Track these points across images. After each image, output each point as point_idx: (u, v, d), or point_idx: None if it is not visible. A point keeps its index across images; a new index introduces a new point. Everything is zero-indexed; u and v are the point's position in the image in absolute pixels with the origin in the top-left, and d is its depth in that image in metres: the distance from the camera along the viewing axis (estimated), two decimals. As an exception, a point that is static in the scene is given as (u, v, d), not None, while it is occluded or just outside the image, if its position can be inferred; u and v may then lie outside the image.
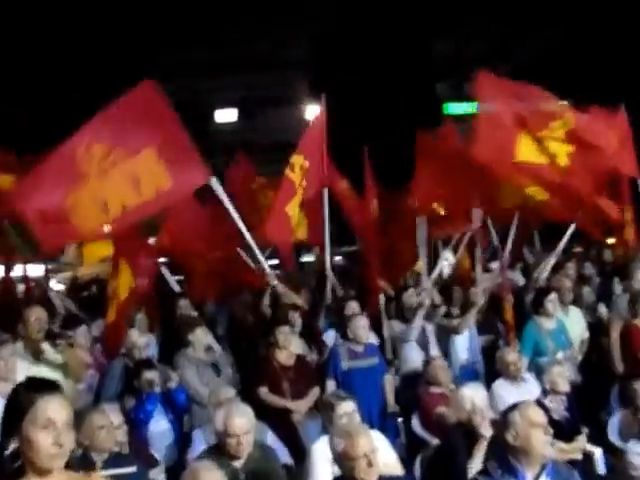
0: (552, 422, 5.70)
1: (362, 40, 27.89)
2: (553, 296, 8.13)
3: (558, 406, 6.03)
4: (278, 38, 29.11)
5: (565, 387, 6.17)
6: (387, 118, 26.42)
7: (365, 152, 10.60)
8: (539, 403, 5.96)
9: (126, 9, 25.20)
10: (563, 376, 6.20)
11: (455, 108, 32.61)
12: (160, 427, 6.65)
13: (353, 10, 28.08)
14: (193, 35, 29.23)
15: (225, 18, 29.17)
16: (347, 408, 5.45)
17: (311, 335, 8.49)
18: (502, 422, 4.22)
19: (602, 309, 9.14)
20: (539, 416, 4.21)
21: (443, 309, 8.79)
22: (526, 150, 8.44)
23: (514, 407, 4.26)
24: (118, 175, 6.90)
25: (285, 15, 27.71)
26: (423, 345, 8.17)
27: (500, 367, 7.25)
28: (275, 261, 12.27)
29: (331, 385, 7.31)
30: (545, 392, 6.17)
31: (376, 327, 8.54)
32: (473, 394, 5.46)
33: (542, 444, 4.10)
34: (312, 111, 21.03)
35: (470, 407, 5.39)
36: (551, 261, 9.78)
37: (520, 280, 10.92)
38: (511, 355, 7.27)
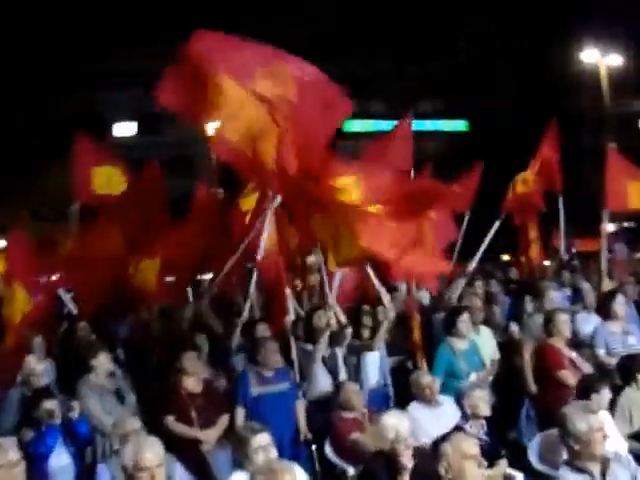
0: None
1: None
2: (465, 316, 8.05)
3: (478, 431, 5.88)
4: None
5: (486, 411, 6.03)
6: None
7: None
8: (459, 429, 5.82)
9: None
10: (484, 400, 6.05)
11: (357, 125, 32.88)
12: (61, 462, 6.17)
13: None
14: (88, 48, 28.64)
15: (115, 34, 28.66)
16: (262, 441, 5.12)
17: (220, 359, 8.13)
18: (433, 453, 4.01)
19: (514, 328, 9.14)
20: (471, 447, 4.04)
21: (350, 330, 8.54)
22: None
23: (445, 438, 4.07)
24: None
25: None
26: (331, 368, 7.90)
27: (415, 390, 7.10)
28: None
29: (240, 412, 7.01)
30: (465, 417, 6.00)
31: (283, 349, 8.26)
32: (397, 423, 5.24)
33: (475, 477, 3.92)
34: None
35: (393, 436, 5.16)
36: (462, 281, 9.76)
37: (426, 299, 10.86)
38: (426, 378, 7.13)
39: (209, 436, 6.77)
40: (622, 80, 30.53)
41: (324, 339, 7.77)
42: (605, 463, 4.62)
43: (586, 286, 11.72)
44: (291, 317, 8.26)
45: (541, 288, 9.14)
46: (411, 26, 36.01)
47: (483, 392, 6.11)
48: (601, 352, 7.79)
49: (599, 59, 29.15)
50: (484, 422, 5.99)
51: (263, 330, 8.03)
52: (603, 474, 4.59)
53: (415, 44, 36.76)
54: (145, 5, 33.08)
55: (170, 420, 6.74)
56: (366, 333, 8.39)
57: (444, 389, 7.33)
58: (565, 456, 4.83)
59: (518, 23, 35.81)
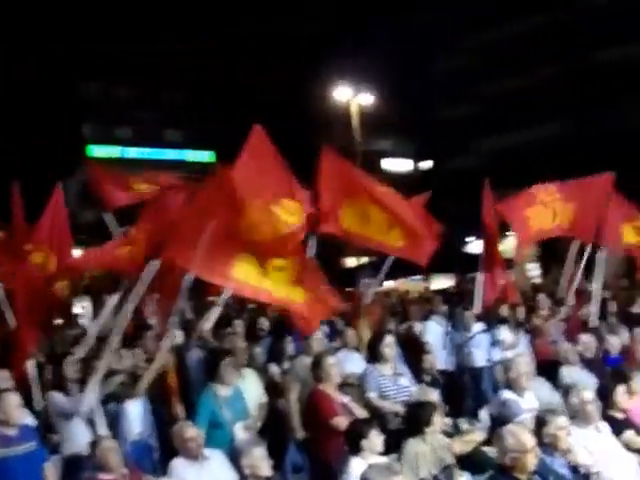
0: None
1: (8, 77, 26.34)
2: (229, 360, 7.59)
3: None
4: None
5: (267, 471, 5.59)
6: (33, 156, 24.97)
7: (16, 189, 9.43)
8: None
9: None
10: (264, 458, 5.61)
11: (99, 151, 31.67)
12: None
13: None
14: None
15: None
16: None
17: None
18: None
19: (274, 369, 8.84)
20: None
21: (121, 377, 7.75)
22: None
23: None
24: None
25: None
26: (90, 420, 7.10)
27: (178, 444, 6.51)
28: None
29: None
30: (244, 478, 5.50)
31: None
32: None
33: None
34: None
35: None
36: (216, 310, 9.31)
37: (180, 336, 10.29)
38: (190, 430, 6.56)
39: None
40: (372, 119, 31.98)
41: (91, 388, 6.96)
42: None
43: (340, 323, 11.88)
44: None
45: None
46: (152, 56, 35.53)
47: (262, 449, 5.64)
48: (372, 395, 7.57)
49: (350, 97, 30.28)
50: (265, 480, 5.55)
51: (2, 379, 7.06)
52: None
53: (161, 74, 36.21)
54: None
55: None
56: (126, 378, 7.67)
57: (208, 441, 6.78)
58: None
59: (276, 58, 36.49)
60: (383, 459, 5.75)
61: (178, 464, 6.38)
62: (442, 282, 28.59)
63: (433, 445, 6.38)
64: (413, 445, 6.25)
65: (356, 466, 5.64)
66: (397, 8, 40.94)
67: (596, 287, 11.76)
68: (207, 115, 36.76)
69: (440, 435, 6.63)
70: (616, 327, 12.00)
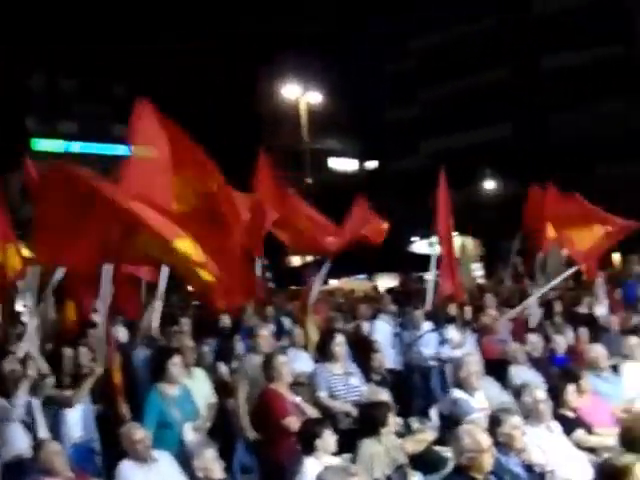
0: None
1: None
2: (177, 359, 7.39)
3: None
4: None
5: (220, 474, 5.44)
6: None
7: None
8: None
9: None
10: (216, 460, 5.46)
11: (44, 144, 30.93)
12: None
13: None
14: None
15: None
16: None
17: None
18: None
19: (222, 369, 8.68)
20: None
21: (52, 379, 7.50)
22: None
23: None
24: None
25: None
26: (28, 424, 6.83)
27: (126, 446, 6.31)
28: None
29: None
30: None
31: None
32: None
33: None
34: None
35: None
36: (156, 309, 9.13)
37: (124, 333, 10.07)
38: (138, 432, 6.36)
39: None
40: (320, 117, 31.94)
41: (23, 391, 6.70)
42: None
43: (287, 322, 11.78)
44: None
45: (255, 328, 8.75)
46: (100, 49, 34.96)
47: (214, 451, 5.49)
48: (322, 395, 7.46)
49: (299, 95, 30.16)
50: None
51: None
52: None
53: (111, 67, 35.61)
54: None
55: None
56: (67, 381, 7.43)
57: (157, 442, 6.57)
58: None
59: (227, 56, 36.19)
60: (336, 459, 5.65)
61: (126, 467, 6.18)
62: (386, 281, 28.68)
63: (387, 446, 6.31)
64: (368, 446, 6.17)
65: (310, 466, 5.55)
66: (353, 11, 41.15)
67: (536, 288, 11.92)
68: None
69: (393, 435, 6.56)
70: (562, 327, 12.17)
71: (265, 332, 8.41)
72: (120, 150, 34.91)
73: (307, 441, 5.82)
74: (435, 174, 12.59)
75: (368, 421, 6.41)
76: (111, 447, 6.89)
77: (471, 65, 39.67)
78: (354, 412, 7.26)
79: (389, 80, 45.55)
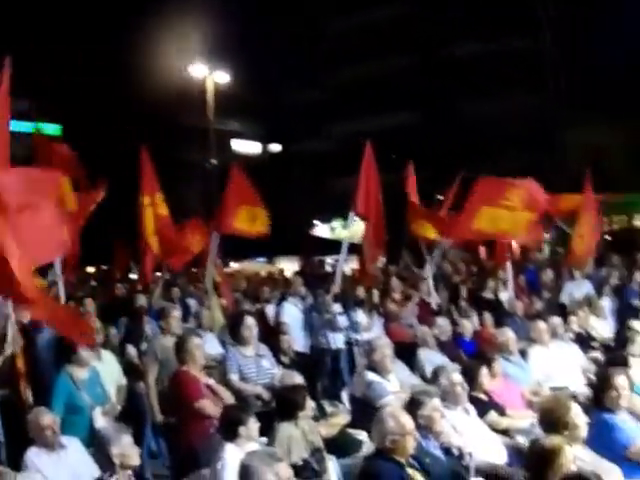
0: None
1: None
2: (84, 340, 7.09)
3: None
4: None
5: (137, 460, 5.22)
6: None
7: None
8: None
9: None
10: (134, 446, 5.23)
11: None
12: None
13: None
14: None
15: None
16: None
17: None
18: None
19: (131, 351, 8.42)
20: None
21: None
22: None
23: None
24: None
25: None
26: None
27: (33, 433, 6.00)
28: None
29: None
30: (109, 467, 5.06)
31: None
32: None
33: None
34: None
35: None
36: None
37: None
38: (46, 417, 6.05)
39: None
40: (225, 98, 31.43)
41: None
42: None
43: (192, 302, 11.58)
44: None
45: (166, 309, 8.50)
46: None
47: (130, 437, 5.25)
48: (233, 377, 7.31)
49: (207, 75, 29.54)
50: (132, 473, 5.17)
51: None
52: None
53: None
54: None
55: None
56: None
57: (65, 428, 6.29)
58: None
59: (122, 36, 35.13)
60: (256, 445, 5.53)
61: (33, 454, 5.87)
62: (286, 265, 28.67)
63: (304, 429, 6.22)
64: (285, 429, 6.06)
65: (231, 452, 5.40)
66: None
67: (428, 274, 12.12)
68: (56, 87, 34.85)
69: (310, 419, 6.49)
70: (467, 311, 12.40)
71: (176, 313, 8.20)
72: (18, 126, 33.57)
73: (230, 428, 5.65)
74: (338, 158, 12.61)
75: (286, 404, 6.30)
76: (15, 435, 6.55)
77: (381, 50, 39.64)
78: (265, 395, 7.16)
79: (295, 63, 45.37)
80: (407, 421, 5.07)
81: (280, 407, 6.35)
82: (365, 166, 11.29)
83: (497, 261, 13.43)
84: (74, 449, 6.07)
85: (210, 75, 29.43)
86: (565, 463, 4.31)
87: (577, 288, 13.29)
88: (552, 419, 5.24)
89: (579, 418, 5.27)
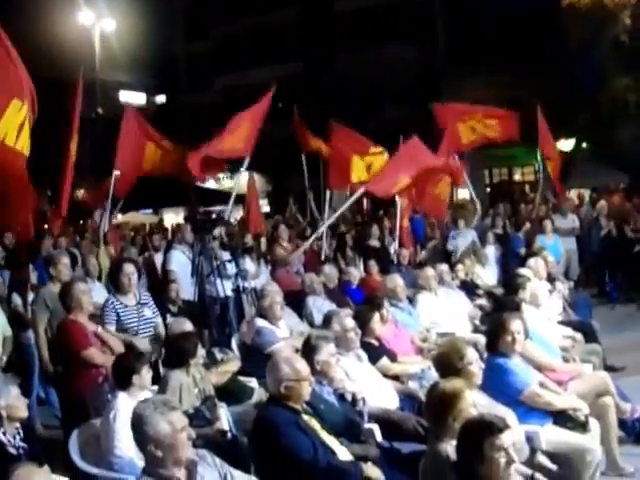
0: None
1: None
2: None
3: (14, 437, 4.75)
4: None
5: (25, 412, 4.91)
6: None
7: None
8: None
9: None
10: (21, 398, 4.92)
11: None
12: None
13: None
14: None
15: None
16: None
17: None
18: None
19: (17, 300, 8.02)
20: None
21: None
22: None
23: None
24: None
25: None
26: None
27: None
28: None
29: None
30: None
31: None
32: None
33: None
34: None
35: None
36: None
37: None
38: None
39: None
40: (113, 48, 30.34)
41: None
42: (191, 467, 3.96)
43: (77, 252, 11.19)
44: None
45: (55, 256, 8.06)
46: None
47: (17, 389, 4.94)
48: (112, 329, 6.94)
49: (94, 22, 28.37)
50: (19, 425, 4.88)
51: None
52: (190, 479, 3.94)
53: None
54: None
55: None
56: None
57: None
58: (140, 462, 4.09)
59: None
60: (149, 394, 5.30)
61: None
62: (171, 216, 28.17)
63: (195, 377, 6.04)
64: (176, 377, 5.87)
65: (123, 401, 5.17)
66: None
67: (322, 222, 12.17)
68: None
69: (201, 366, 6.30)
70: (353, 259, 12.46)
71: (65, 260, 7.76)
72: None
73: (123, 376, 5.40)
74: (223, 109, 12.48)
75: (176, 352, 6.09)
76: None
77: (265, 3, 39.23)
78: (141, 345, 6.87)
79: (182, 14, 44.44)
80: (303, 367, 4.94)
81: (171, 355, 6.15)
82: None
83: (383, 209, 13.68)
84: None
85: (97, 22, 28.35)
86: (466, 407, 4.29)
87: (461, 237, 13.60)
88: (448, 364, 5.23)
89: (474, 364, 5.28)
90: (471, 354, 5.28)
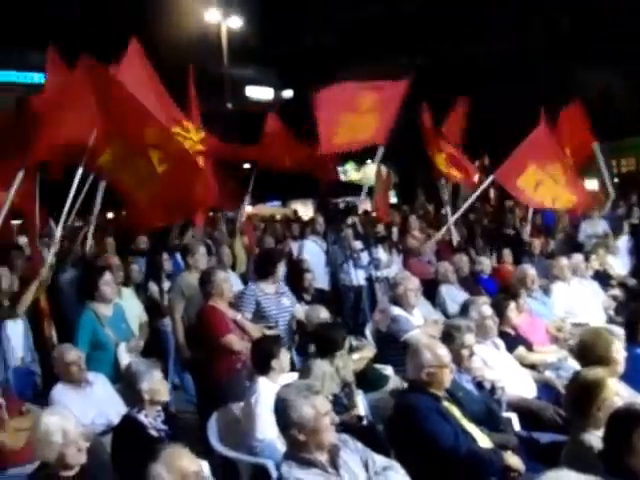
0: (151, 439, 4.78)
1: None
2: (108, 277, 6.96)
3: (155, 420, 4.96)
4: None
5: (166, 396, 5.13)
6: None
7: None
8: (129, 419, 4.93)
9: None
10: (164, 382, 5.14)
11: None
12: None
13: None
14: None
15: None
16: None
17: None
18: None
19: (153, 288, 8.35)
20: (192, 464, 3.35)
21: None
22: None
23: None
24: None
25: None
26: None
27: (59, 369, 5.94)
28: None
29: None
30: (138, 404, 4.97)
31: None
32: (62, 422, 4.16)
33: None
34: None
35: (61, 440, 4.09)
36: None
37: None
38: (72, 353, 5.96)
39: None
40: (239, 44, 31.18)
41: None
42: (333, 451, 4.04)
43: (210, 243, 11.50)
44: None
45: (192, 245, 8.35)
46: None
47: (160, 373, 5.15)
48: (248, 316, 6.97)
49: (221, 20, 29.46)
50: (161, 408, 5.10)
51: None
52: (332, 463, 4.01)
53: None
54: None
55: None
56: (5, 300, 7.08)
57: (91, 364, 6.21)
58: (283, 447, 4.23)
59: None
60: (288, 378, 5.44)
61: (60, 391, 5.82)
62: (300, 208, 28.55)
63: (338, 365, 6.15)
64: (320, 366, 5.98)
65: (264, 386, 5.33)
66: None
67: (446, 212, 12.04)
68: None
69: (345, 355, 6.41)
70: (484, 249, 12.32)
71: (203, 249, 8.03)
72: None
73: (262, 361, 5.56)
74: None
75: (325, 343, 6.20)
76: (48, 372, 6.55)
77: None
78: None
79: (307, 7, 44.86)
80: (444, 353, 4.96)
81: (319, 345, 6.25)
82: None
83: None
84: (100, 385, 6.03)
85: (224, 21, 29.53)
86: (610, 396, 4.20)
87: (593, 227, 13.23)
88: (592, 353, 5.13)
89: (619, 353, 5.16)
90: (618, 343, 5.18)
